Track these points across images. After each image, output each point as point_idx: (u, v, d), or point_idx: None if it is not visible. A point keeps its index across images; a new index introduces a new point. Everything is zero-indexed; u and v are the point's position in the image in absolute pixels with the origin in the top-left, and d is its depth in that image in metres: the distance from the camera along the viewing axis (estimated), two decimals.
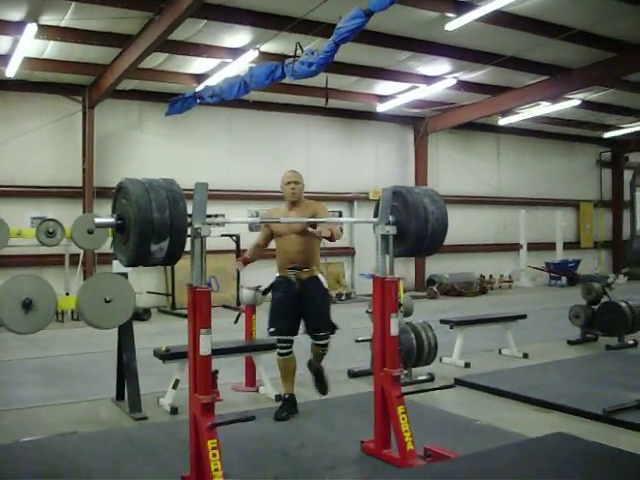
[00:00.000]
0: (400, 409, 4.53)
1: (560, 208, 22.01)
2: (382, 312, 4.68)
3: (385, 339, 4.67)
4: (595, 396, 6.38)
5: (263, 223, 6.33)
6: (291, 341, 5.93)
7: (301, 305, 5.92)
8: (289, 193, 6.00)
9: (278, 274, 6.08)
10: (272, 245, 6.25)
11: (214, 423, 3.81)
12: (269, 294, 6.32)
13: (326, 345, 6.05)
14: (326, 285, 6.12)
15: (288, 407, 5.99)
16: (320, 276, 6.09)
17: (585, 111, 18.45)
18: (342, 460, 4.73)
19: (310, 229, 5.61)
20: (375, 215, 4.87)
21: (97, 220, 3.84)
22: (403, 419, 4.50)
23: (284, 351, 5.93)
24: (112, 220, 3.75)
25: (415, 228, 4.64)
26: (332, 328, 6.03)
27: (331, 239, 5.52)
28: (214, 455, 3.73)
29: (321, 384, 6.31)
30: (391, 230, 4.65)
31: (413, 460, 4.39)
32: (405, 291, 9.67)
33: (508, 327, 9.01)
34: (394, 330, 4.64)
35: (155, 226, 3.56)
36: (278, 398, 6.53)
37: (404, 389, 4.72)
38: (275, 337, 5.92)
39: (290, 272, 5.94)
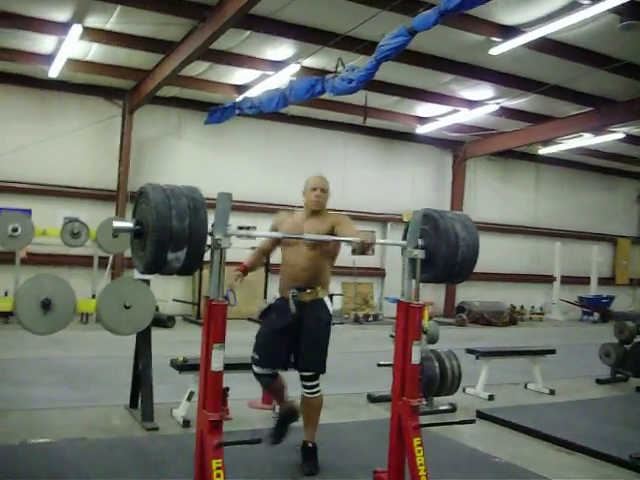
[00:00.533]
0: (416, 441, 4.34)
1: (596, 242, 21.70)
2: (404, 338, 4.50)
3: (405, 366, 4.49)
4: (622, 440, 6.12)
5: (286, 238, 5.04)
6: (273, 375, 5.03)
7: (296, 334, 4.95)
8: (312, 201, 5.13)
9: (278, 295, 5.15)
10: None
11: (221, 442, 3.66)
12: None
13: (316, 391, 4.95)
14: (331, 310, 5.17)
15: (281, 427, 5.13)
16: (326, 299, 5.14)
17: (627, 145, 18.12)
18: None
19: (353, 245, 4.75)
20: (404, 238, 4.71)
21: (116, 224, 3.75)
22: (419, 452, 4.30)
23: (263, 384, 5.19)
24: (131, 225, 3.64)
25: (444, 254, 4.47)
26: (323, 368, 4.99)
27: (366, 249, 4.69)
28: (218, 476, 3.58)
29: (309, 461, 5.02)
30: (419, 254, 4.49)
31: None
32: (431, 317, 9.50)
33: (536, 361, 8.76)
34: (415, 358, 4.46)
35: (173, 234, 3.42)
36: None
37: (423, 418, 4.53)
38: (253, 368, 5.01)
39: (291, 293, 4.97)
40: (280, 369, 5.05)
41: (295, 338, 4.93)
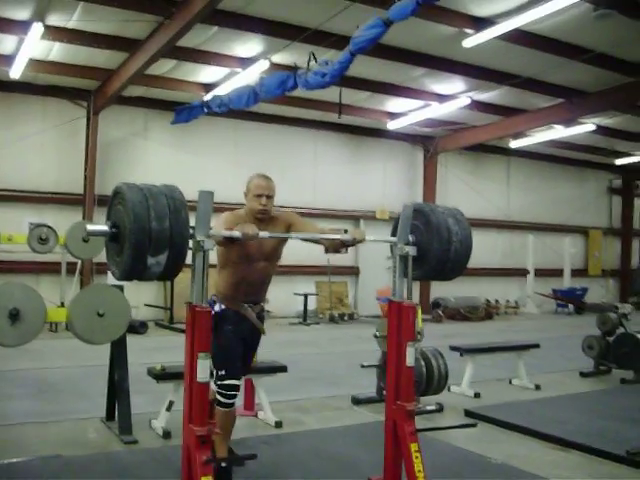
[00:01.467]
0: (414, 447, 4.12)
1: (569, 234, 21.69)
2: (398, 340, 4.28)
3: (400, 369, 4.27)
4: (615, 434, 6.01)
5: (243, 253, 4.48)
6: (239, 387, 4.60)
7: (247, 345, 4.71)
8: (258, 210, 4.52)
9: (223, 305, 4.59)
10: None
11: (210, 459, 3.41)
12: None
13: None
14: None
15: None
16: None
17: (598, 137, 18.13)
18: None
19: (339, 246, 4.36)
20: (393, 234, 4.48)
21: (89, 227, 3.47)
22: (416, 457, 4.09)
23: (231, 401, 4.50)
24: (106, 228, 3.37)
25: (437, 250, 4.26)
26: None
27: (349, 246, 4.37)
28: None
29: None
30: (411, 251, 4.27)
31: None
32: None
33: (520, 356, 8.63)
34: (410, 360, 4.24)
35: (153, 237, 3.16)
36: (278, 424, 6.17)
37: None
38: (224, 382, 4.45)
39: (246, 306, 4.62)
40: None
41: (244, 347, 4.67)
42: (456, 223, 4.35)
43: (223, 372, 4.45)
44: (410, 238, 4.32)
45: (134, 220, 3.16)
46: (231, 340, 4.52)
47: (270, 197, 4.55)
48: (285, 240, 4.60)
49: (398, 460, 4.27)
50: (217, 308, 4.55)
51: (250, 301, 4.63)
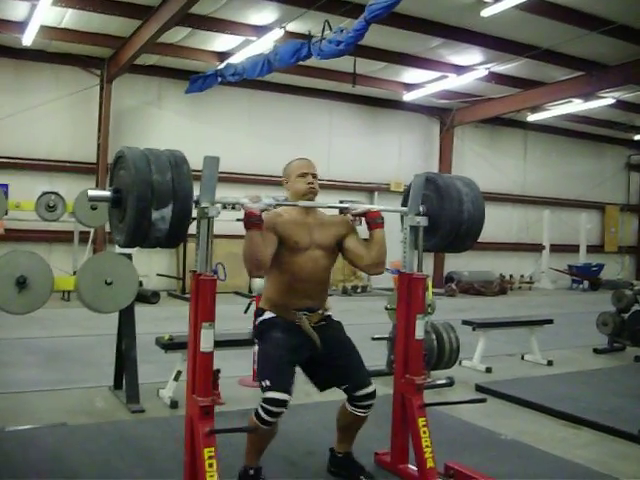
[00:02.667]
0: (421, 421, 4.07)
1: (585, 210, 21.51)
2: (407, 312, 4.21)
3: (409, 342, 4.20)
4: (628, 413, 5.90)
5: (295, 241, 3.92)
6: (287, 404, 3.74)
7: (319, 357, 3.99)
8: (306, 189, 4.01)
9: (271, 313, 4.01)
10: None
11: (213, 429, 3.35)
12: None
13: (371, 408, 4.09)
14: None
15: None
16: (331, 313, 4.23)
17: (617, 111, 17.82)
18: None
19: (349, 215, 4.14)
20: (404, 204, 4.39)
21: (91, 193, 3.38)
22: (424, 432, 4.03)
23: (273, 419, 3.70)
24: (108, 193, 3.30)
25: (449, 212, 4.16)
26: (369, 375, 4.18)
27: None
28: (210, 465, 3.28)
29: (363, 471, 4.23)
30: (422, 221, 4.18)
31: (433, 479, 3.93)
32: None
33: (532, 331, 8.53)
34: (419, 333, 4.17)
35: (155, 188, 3.07)
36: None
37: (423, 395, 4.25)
38: (267, 394, 3.70)
39: (301, 315, 3.95)
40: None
41: (306, 357, 3.98)
42: (465, 185, 4.29)
43: (268, 383, 3.73)
44: (421, 208, 4.23)
45: (135, 173, 3.09)
46: (279, 347, 3.87)
47: (315, 176, 4.10)
48: (340, 232, 4.09)
49: (405, 434, 4.22)
50: (264, 317, 4.02)
51: (306, 308, 3.96)
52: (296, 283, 3.93)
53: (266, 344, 3.94)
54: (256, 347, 4.11)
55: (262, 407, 3.70)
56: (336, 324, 4.18)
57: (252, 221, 3.64)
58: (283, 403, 3.69)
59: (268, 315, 4.00)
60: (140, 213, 3.08)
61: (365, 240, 4.13)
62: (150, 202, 3.07)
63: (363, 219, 4.15)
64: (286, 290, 3.95)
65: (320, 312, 4.05)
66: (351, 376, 4.05)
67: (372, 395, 4.03)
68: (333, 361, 4.03)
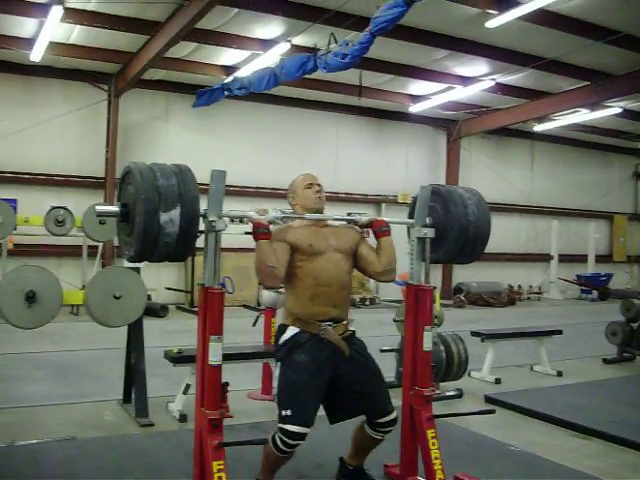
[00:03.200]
0: (430, 433, 4.06)
1: (593, 220, 21.51)
2: (415, 324, 4.22)
3: (417, 354, 4.20)
4: (638, 423, 5.90)
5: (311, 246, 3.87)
6: (306, 436, 3.70)
7: (339, 380, 3.87)
8: (314, 198, 4.01)
9: (297, 328, 3.87)
10: None
11: (222, 443, 3.36)
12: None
13: (390, 433, 4.04)
14: None
15: None
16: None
17: (624, 120, 17.80)
18: None
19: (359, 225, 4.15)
20: (410, 216, 4.41)
21: (99, 208, 3.42)
22: (433, 444, 4.03)
23: (290, 450, 3.69)
24: (116, 208, 3.34)
25: (456, 226, 4.18)
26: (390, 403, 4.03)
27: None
28: (220, 478, 3.30)
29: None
30: (429, 232, 4.19)
31: None
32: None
33: (541, 342, 8.51)
34: (427, 344, 4.18)
35: (161, 192, 3.14)
36: None
37: (432, 407, 4.25)
38: (287, 426, 3.65)
39: (326, 325, 3.83)
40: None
41: (330, 383, 3.86)
42: (467, 191, 4.41)
43: (288, 413, 3.66)
44: (427, 220, 4.25)
45: (141, 180, 3.17)
46: (302, 373, 3.75)
47: (320, 186, 4.09)
48: (354, 238, 4.09)
49: (415, 446, 4.21)
50: (286, 336, 3.87)
51: (329, 318, 3.84)
52: (318, 287, 3.82)
53: (289, 368, 3.80)
54: (277, 370, 3.92)
55: (280, 438, 3.63)
56: (360, 344, 4.05)
57: (260, 231, 3.63)
58: (302, 437, 3.64)
59: (291, 332, 3.87)
60: (149, 216, 3.11)
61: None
62: (157, 205, 3.12)
63: (370, 230, 4.17)
64: (309, 298, 3.83)
65: (345, 323, 3.94)
66: (376, 403, 3.96)
67: (394, 422, 3.99)
68: (356, 385, 3.91)
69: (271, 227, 3.73)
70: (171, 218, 3.14)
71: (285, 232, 3.86)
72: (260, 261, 3.62)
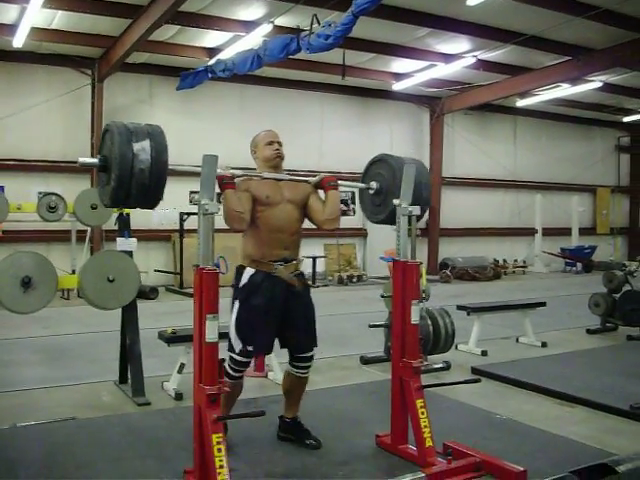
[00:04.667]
0: (419, 402, 4.23)
1: (576, 193, 21.72)
2: (402, 298, 4.37)
3: (405, 327, 4.36)
4: (620, 390, 6.07)
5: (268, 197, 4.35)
6: (249, 364, 4.51)
7: (285, 313, 4.41)
8: (272, 154, 4.50)
9: (252, 269, 4.36)
10: None
11: (220, 416, 3.51)
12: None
13: (309, 369, 4.62)
14: None
15: None
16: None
17: (605, 94, 18.01)
18: (356, 455, 4.42)
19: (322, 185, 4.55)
20: (363, 180, 4.95)
21: (81, 160, 3.72)
22: (422, 413, 4.20)
23: (238, 374, 4.40)
24: (96, 160, 3.66)
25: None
26: (315, 344, 4.60)
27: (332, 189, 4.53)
28: (219, 450, 3.45)
29: (309, 435, 4.65)
30: (414, 211, 4.34)
31: (432, 457, 4.09)
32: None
33: (526, 314, 8.70)
34: (415, 318, 4.33)
35: (131, 129, 3.54)
36: None
37: (421, 379, 4.41)
38: (235, 356, 4.33)
39: (278, 265, 4.34)
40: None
41: (282, 317, 4.39)
42: (412, 161, 4.80)
43: (239, 346, 4.31)
44: (374, 184, 4.76)
45: (114, 123, 3.64)
46: (257, 314, 4.31)
47: (280, 144, 4.57)
48: (306, 190, 4.54)
49: (404, 416, 4.38)
50: (244, 279, 4.37)
51: (281, 259, 4.34)
52: (272, 234, 4.34)
53: (244, 307, 4.36)
54: (235, 306, 4.41)
55: (229, 364, 4.31)
56: (306, 287, 4.59)
57: (225, 182, 4.04)
58: (246, 364, 4.40)
59: (248, 274, 4.37)
60: (123, 144, 3.46)
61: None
62: (129, 136, 3.49)
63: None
64: (263, 242, 4.35)
65: (295, 263, 4.46)
66: (305, 339, 4.53)
67: (311, 358, 4.57)
68: (297, 320, 4.46)
69: (237, 180, 4.22)
70: (143, 147, 3.47)
71: (247, 183, 4.35)
72: (228, 208, 4.09)
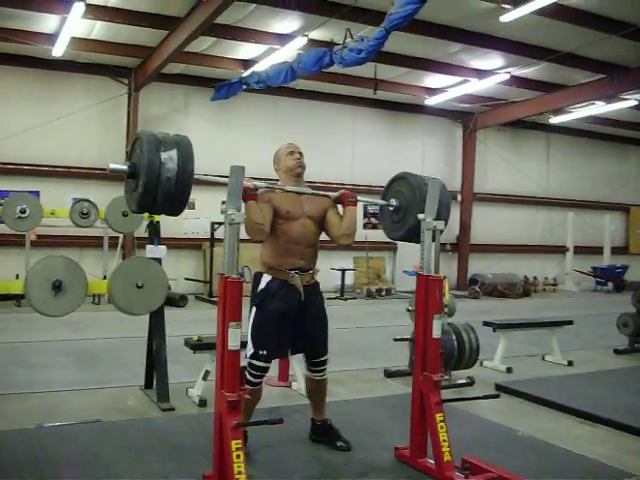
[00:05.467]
0: (439, 416, 4.26)
1: (609, 212, 21.50)
2: (425, 312, 4.41)
3: (427, 341, 4.39)
4: None
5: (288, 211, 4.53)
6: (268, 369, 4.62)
7: (300, 321, 4.58)
8: (294, 164, 4.66)
9: (269, 275, 4.57)
10: None
11: (240, 423, 3.58)
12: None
13: (325, 371, 4.82)
14: None
15: None
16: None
17: (639, 112, 17.84)
18: (374, 467, 4.46)
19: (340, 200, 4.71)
20: (383, 198, 5.01)
21: (111, 166, 3.78)
22: (442, 427, 4.22)
23: (257, 380, 4.54)
24: (125, 167, 3.73)
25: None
26: (326, 350, 4.79)
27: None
28: (238, 457, 3.50)
29: (339, 437, 4.85)
30: (438, 225, 4.39)
31: (450, 472, 4.11)
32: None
33: (553, 332, 8.65)
34: (436, 332, 4.37)
35: (160, 139, 3.63)
36: None
37: (443, 393, 4.44)
38: (253, 361, 4.50)
39: (294, 273, 4.53)
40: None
41: (296, 324, 4.55)
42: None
43: (263, 352, 4.47)
44: (394, 202, 4.81)
45: (142, 132, 3.72)
46: (272, 319, 4.48)
47: (302, 154, 4.73)
48: (325, 205, 4.70)
49: (424, 429, 4.40)
50: (262, 285, 4.56)
51: (297, 268, 4.53)
52: (289, 245, 4.54)
53: (261, 312, 4.53)
54: (253, 312, 4.58)
55: (248, 370, 4.44)
56: (319, 292, 4.79)
57: (248, 193, 4.14)
58: (265, 369, 4.52)
59: (265, 280, 4.57)
60: (151, 153, 3.54)
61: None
62: (158, 145, 3.57)
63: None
64: (281, 252, 4.55)
65: (310, 272, 4.66)
66: (316, 345, 4.72)
67: (325, 362, 4.77)
68: (309, 326, 4.64)
69: (260, 192, 4.38)
70: (170, 156, 3.55)
71: (269, 195, 4.50)
72: (249, 219, 4.15)
